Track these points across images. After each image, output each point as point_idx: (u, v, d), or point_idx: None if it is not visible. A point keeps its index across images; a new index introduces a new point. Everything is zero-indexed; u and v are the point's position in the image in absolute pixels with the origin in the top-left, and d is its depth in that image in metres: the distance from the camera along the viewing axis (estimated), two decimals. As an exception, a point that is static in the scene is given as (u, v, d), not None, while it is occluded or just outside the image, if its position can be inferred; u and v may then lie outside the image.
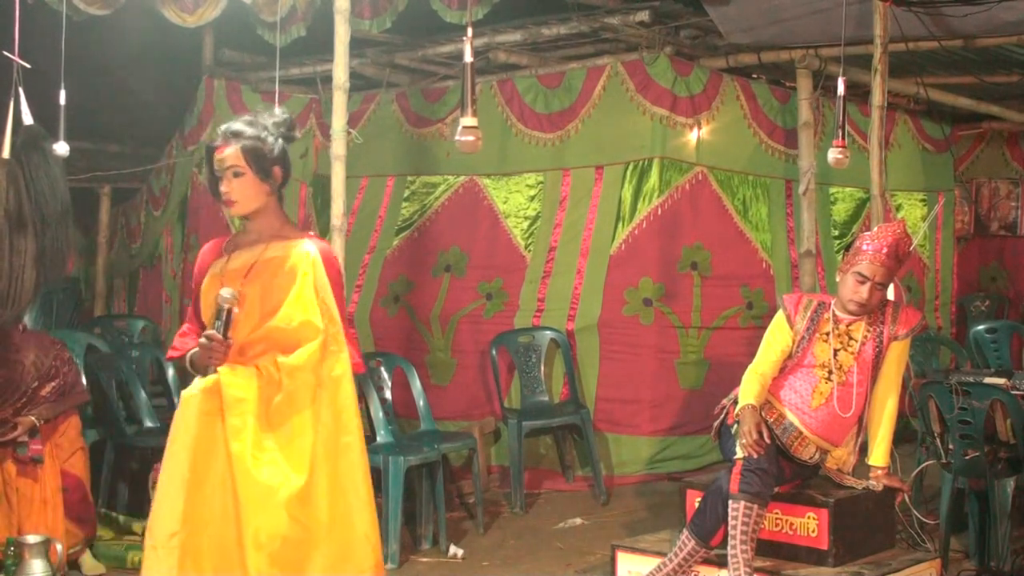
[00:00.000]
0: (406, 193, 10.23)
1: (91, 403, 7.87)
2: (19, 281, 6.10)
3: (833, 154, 7.06)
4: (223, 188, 4.44)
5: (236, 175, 4.44)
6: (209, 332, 4.32)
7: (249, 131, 4.46)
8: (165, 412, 8.42)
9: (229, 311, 4.34)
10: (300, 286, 4.38)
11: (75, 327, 11.34)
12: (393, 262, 10.07)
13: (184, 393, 4.40)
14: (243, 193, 4.44)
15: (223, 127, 4.51)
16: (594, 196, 9.28)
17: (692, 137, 9.27)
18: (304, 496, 4.26)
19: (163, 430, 7.86)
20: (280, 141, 4.51)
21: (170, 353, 4.60)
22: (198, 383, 4.37)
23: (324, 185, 8.65)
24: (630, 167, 9.18)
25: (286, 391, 4.32)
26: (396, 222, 10.20)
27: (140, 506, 7.52)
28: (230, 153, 4.44)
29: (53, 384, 6.93)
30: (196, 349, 4.40)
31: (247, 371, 4.33)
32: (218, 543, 4.24)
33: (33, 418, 6.73)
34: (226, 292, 4.34)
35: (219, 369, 4.34)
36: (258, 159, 4.44)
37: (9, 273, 6.06)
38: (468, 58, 5.10)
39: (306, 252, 4.42)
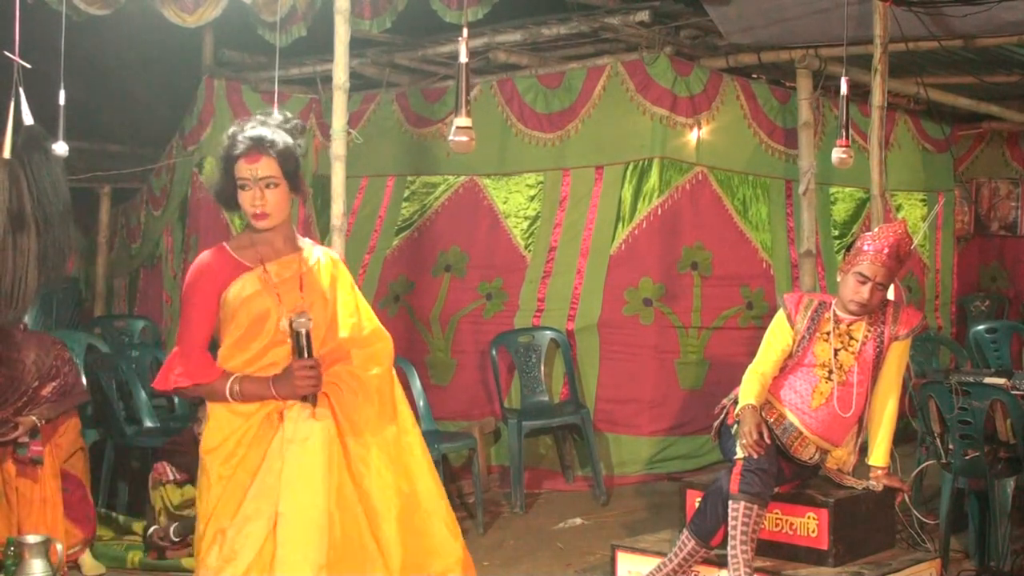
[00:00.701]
0: (406, 193, 10.23)
1: (91, 403, 7.88)
2: (22, 281, 6.10)
3: (837, 154, 7.06)
4: (255, 201, 4.15)
5: (270, 186, 4.17)
6: (308, 360, 4.12)
7: (280, 140, 4.22)
8: (165, 412, 8.43)
9: (308, 333, 4.16)
10: (355, 293, 4.37)
11: (75, 327, 11.35)
12: (393, 262, 10.08)
13: (315, 423, 4.17)
14: (277, 206, 4.20)
15: (247, 134, 4.20)
16: (594, 196, 9.28)
17: (692, 137, 9.27)
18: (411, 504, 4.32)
19: (163, 430, 7.93)
20: (300, 148, 4.34)
21: (180, 381, 4.19)
22: (306, 415, 4.16)
23: (324, 185, 8.63)
24: (630, 167, 9.18)
25: (379, 403, 4.28)
26: (396, 222, 10.20)
27: (140, 506, 7.53)
28: (264, 164, 4.16)
29: (54, 384, 6.93)
30: (263, 378, 4.14)
31: (350, 389, 4.24)
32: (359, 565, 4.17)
33: (34, 418, 6.74)
34: (300, 316, 4.15)
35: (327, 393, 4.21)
36: (292, 170, 4.24)
37: (13, 273, 6.07)
38: (463, 58, 5.10)
39: (333, 257, 4.41)
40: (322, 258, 4.34)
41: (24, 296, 6.13)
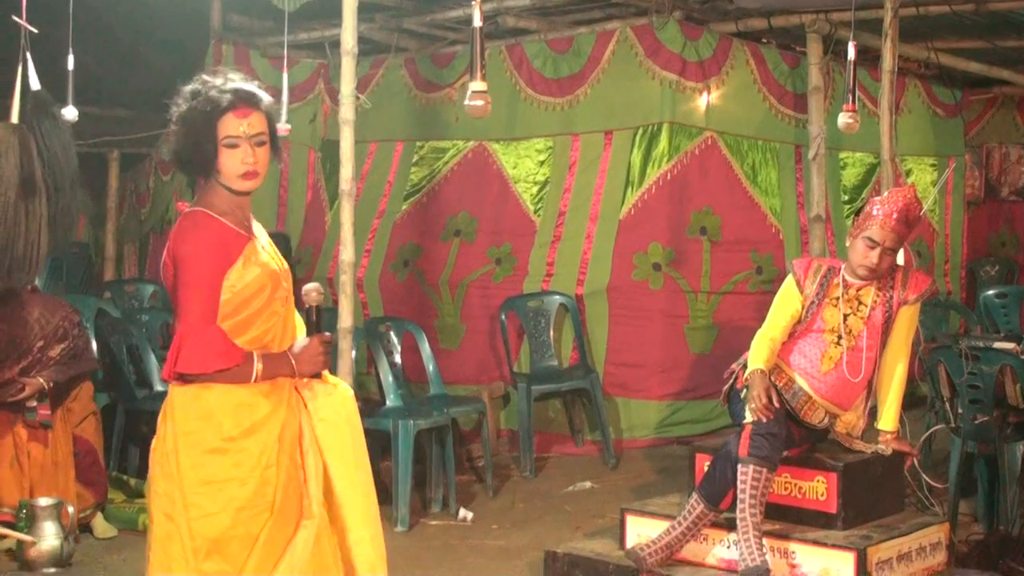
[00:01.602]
0: (415, 158, 10.22)
1: (102, 367, 7.90)
2: (35, 246, 6.12)
3: (844, 118, 7.04)
4: (247, 158, 3.81)
5: (260, 144, 3.85)
6: (327, 336, 3.94)
7: (264, 95, 3.91)
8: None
9: (320, 307, 4.00)
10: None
11: (86, 292, 11.38)
12: (402, 227, 10.07)
13: (338, 394, 4.04)
14: (266, 166, 3.88)
15: (232, 87, 3.85)
16: (603, 161, 9.27)
17: (701, 102, 9.25)
18: None
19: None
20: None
21: (219, 362, 3.76)
22: (331, 388, 4.03)
23: (333, 150, 8.63)
24: (639, 132, 9.16)
25: None
26: (405, 187, 10.19)
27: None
28: (255, 119, 3.84)
29: (62, 346, 6.93)
30: (285, 353, 3.91)
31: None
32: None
33: (41, 380, 6.75)
34: (311, 289, 3.97)
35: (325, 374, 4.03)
36: (274, 130, 3.93)
37: (25, 237, 6.09)
38: (477, 22, 5.08)
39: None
40: (257, 225, 4.05)
41: (36, 260, 6.15)
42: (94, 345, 7.71)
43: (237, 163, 3.82)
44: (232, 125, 3.81)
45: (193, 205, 3.88)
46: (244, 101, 3.84)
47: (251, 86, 3.92)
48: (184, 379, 3.78)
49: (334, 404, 4.01)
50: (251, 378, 3.80)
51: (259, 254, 3.87)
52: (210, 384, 3.78)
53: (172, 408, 3.83)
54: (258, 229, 3.98)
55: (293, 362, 3.90)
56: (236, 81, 3.91)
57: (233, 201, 3.88)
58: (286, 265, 4.03)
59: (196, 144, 3.81)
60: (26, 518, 6.39)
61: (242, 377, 3.79)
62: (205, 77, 3.91)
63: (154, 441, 3.90)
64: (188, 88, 3.89)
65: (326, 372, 4.05)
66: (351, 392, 4.12)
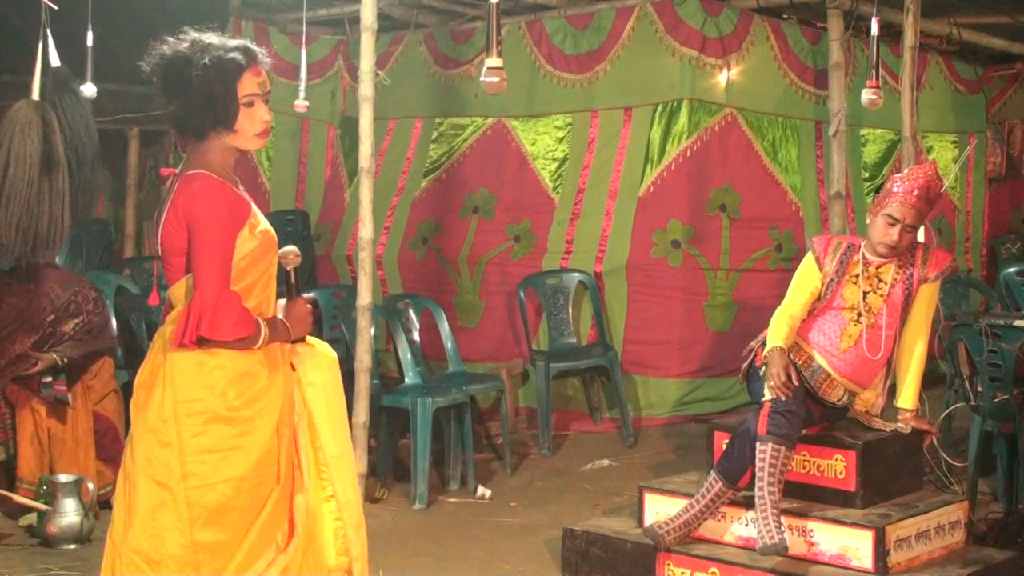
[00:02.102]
0: (434, 135, 10.20)
1: (121, 344, 7.92)
2: (59, 222, 6.15)
3: (867, 95, 7.01)
4: (264, 116, 3.81)
5: (267, 102, 3.85)
6: (309, 297, 3.98)
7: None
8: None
9: (296, 269, 4.00)
10: None
11: (105, 269, 11.40)
12: (421, 204, 10.07)
13: (321, 355, 4.04)
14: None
15: (239, 44, 3.82)
16: (623, 138, 9.25)
17: (722, 78, 9.21)
18: None
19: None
20: None
21: (243, 329, 3.73)
22: (314, 351, 4.02)
23: (352, 127, 8.62)
24: (659, 108, 9.13)
25: None
26: (424, 164, 10.18)
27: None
28: (265, 77, 3.84)
29: (76, 321, 6.93)
30: (279, 318, 3.90)
31: None
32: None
33: (55, 355, 6.77)
34: (288, 252, 3.96)
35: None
36: None
37: (49, 214, 6.11)
38: (494, -1, 5.06)
39: None
40: None
41: (60, 236, 6.18)
42: (114, 322, 7.72)
43: (256, 122, 3.81)
44: (251, 83, 3.80)
45: (191, 168, 3.81)
46: (255, 59, 3.82)
47: (252, 43, 3.89)
48: (199, 344, 3.71)
49: (320, 367, 4.00)
50: (258, 344, 3.78)
51: (260, 221, 3.86)
52: (216, 351, 3.75)
53: (171, 374, 3.77)
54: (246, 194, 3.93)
55: (289, 326, 3.90)
56: (248, 42, 3.88)
57: (227, 164, 3.85)
58: (273, 232, 3.97)
59: (222, 104, 3.76)
60: (46, 494, 6.42)
61: (253, 344, 3.78)
62: (197, 36, 3.83)
63: (137, 406, 3.85)
64: (183, 46, 3.81)
65: (312, 339, 4.06)
66: (334, 354, 4.10)
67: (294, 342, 3.96)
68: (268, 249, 3.86)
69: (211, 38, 3.82)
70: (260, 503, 3.80)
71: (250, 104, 3.79)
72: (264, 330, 3.79)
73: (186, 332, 3.69)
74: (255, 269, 3.82)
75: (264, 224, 3.86)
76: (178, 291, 3.82)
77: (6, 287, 6.77)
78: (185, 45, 3.80)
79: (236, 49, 3.79)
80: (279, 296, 3.99)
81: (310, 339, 4.05)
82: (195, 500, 3.72)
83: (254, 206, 3.88)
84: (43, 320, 6.85)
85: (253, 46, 3.86)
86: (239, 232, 3.75)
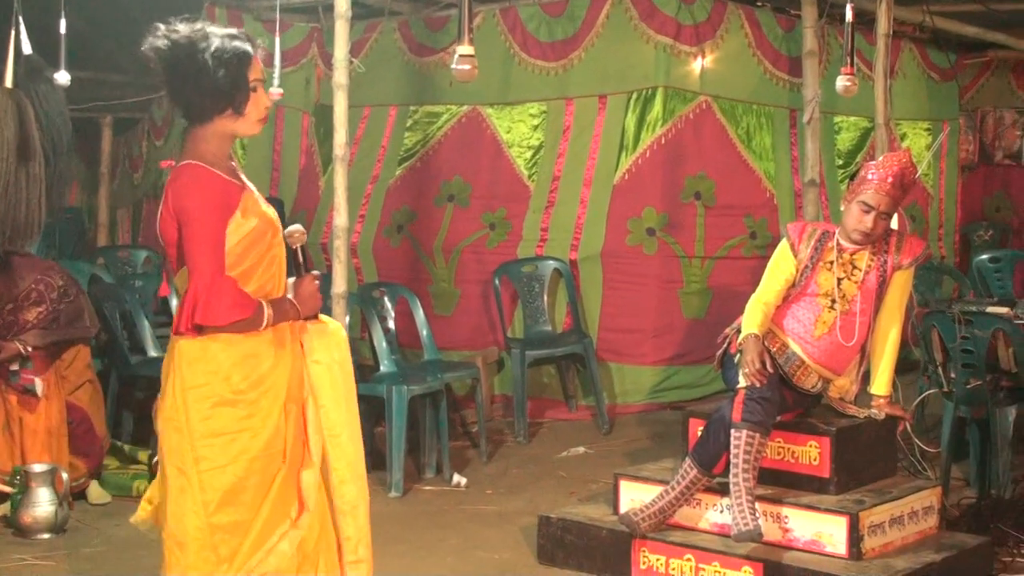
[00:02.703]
0: (408, 123, 10.18)
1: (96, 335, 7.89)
2: (37, 211, 6.14)
3: (842, 82, 7.02)
4: (265, 101, 3.93)
5: (266, 88, 3.98)
6: (316, 274, 4.04)
7: None
8: (168, 342, 8.44)
9: (303, 247, 4.09)
10: None
11: (78, 258, 11.37)
12: (396, 192, 10.05)
13: (331, 333, 4.12)
14: None
15: (243, 34, 3.92)
16: (597, 125, 9.25)
17: (696, 66, 9.22)
18: None
19: (167, 360, 7.93)
20: None
21: (238, 313, 3.80)
22: (324, 328, 4.10)
23: (326, 115, 8.61)
24: (633, 96, 9.14)
25: None
26: (399, 152, 10.16)
27: (145, 436, 7.56)
28: (262, 65, 3.94)
29: (39, 310, 6.86)
30: (287, 298, 3.98)
31: None
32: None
33: (18, 344, 6.72)
34: (293, 231, 4.04)
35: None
36: None
37: (27, 203, 6.10)
38: (466, -13, 5.06)
39: None
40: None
41: (37, 225, 6.19)
42: (90, 311, 7.69)
43: (260, 107, 3.91)
44: (257, 69, 3.91)
45: (184, 159, 3.87)
46: (256, 46, 3.92)
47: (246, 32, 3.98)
48: (198, 331, 3.82)
49: (328, 345, 4.08)
50: (262, 326, 3.86)
51: (256, 203, 3.92)
52: (217, 336, 3.83)
53: (179, 362, 3.88)
54: (245, 178, 4.01)
55: (297, 305, 3.99)
56: (242, 31, 3.97)
57: (222, 151, 3.92)
58: (275, 212, 4.05)
59: (235, 89, 3.85)
60: (20, 484, 6.40)
61: (254, 325, 3.86)
62: (195, 24, 3.89)
63: (161, 397, 3.95)
64: (187, 33, 3.84)
65: (324, 317, 4.15)
66: (343, 332, 4.21)
67: (306, 319, 4.04)
68: (265, 231, 3.91)
69: (211, 26, 3.89)
70: (270, 481, 3.89)
71: (255, 90, 3.89)
72: (267, 311, 3.86)
73: (183, 319, 3.81)
74: (253, 252, 3.88)
75: (262, 206, 3.94)
76: (180, 279, 3.90)
77: None
78: (186, 32, 3.84)
79: (240, 37, 3.88)
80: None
81: (322, 316, 4.13)
82: (208, 483, 3.82)
83: (251, 190, 3.94)
84: (2, 309, 6.79)
85: (251, 35, 3.96)
86: (229, 218, 3.82)
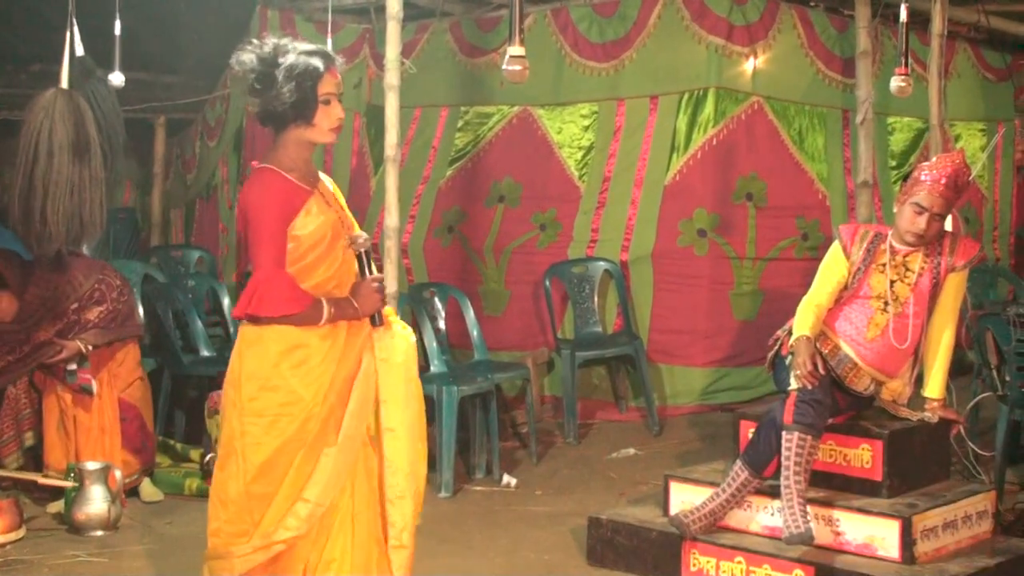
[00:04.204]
0: (459, 123, 10.20)
1: (148, 332, 7.94)
2: (99, 210, 6.24)
3: (896, 82, 6.98)
4: (338, 113, 4.23)
5: (341, 100, 4.27)
6: (379, 276, 4.34)
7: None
8: (220, 341, 8.51)
9: (368, 252, 4.35)
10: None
11: (132, 257, 11.46)
12: (447, 192, 10.07)
13: (399, 337, 4.40)
14: None
15: (317, 49, 4.23)
16: (648, 126, 9.23)
17: (748, 66, 9.18)
18: None
19: (218, 359, 8.01)
20: None
21: (290, 307, 4.11)
22: (398, 333, 4.40)
23: (377, 115, 8.64)
24: (685, 97, 9.11)
25: None
26: (449, 152, 10.18)
27: (197, 435, 7.62)
28: (340, 79, 4.26)
29: (100, 310, 6.93)
30: (347, 297, 4.25)
31: None
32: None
33: (79, 343, 6.78)
34: (357, 236, 4.32)
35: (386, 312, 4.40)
36: None
37: (90, 202, 6.17)
38: (517, -13, 5.07)
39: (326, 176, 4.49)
40: (324, 176, 4.45)
41: (100, 224, 6.30)
42: (140, 310, 7.75)
43: (332, 118, 4.22)
44: (329, 84, 4.20)
45: (263, 162, 4.25)
46: (333, 63, 4.22)
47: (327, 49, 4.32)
48: (254, 320, 4.16)
49: (393, 346, 4.37)
50: (320, 321, 4.17)
51: (321, 206, 4.24)
52: (272, 326, 4.15)
53: (240, 345, 4.25)
54: (326, 182, 4.39)
55: (356, 303, 4.24)
56: (314, 43, 4.31)
57: (300, 157, 4.26)
58: (350, 216, 4.39)
59: (304, 101, 4.16)
60: (74, 481, 6.46)
61: (311, 320, 4.16)
62: (278, 41, 4.21)
63: (227, 373, 4.30)
64: (269, 49, 4.17)
65: (393, 317, 4.45)
66: (412, 337, 4.47)
67: (372, 320, 4.31)
68: (327, 231, 4.22)
69: (295, 43, 4.23)
70: (292, 460, 4.20)
71: (327, 102, 4.19)
72: (327, 308, 4.16)
73: (238, 307, 4.18)
74: (317, 248, 4.19)
75: (327, 208, 4.25)
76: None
77: (30, 276, 6.79)
78: (270, 47, 4.19)
79: (319, 53, 4.20)
80: None
81: (393, 320, 4.43)
82: (248, 456, 4.18)
83: (321, 194, 4.28)
84: (67, 308, 6.86)
85: (330, 51, 4.28)
86: (293, 218, 4.16)
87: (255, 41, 4.22)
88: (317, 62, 4.16)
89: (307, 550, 4.24)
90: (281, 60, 4.14)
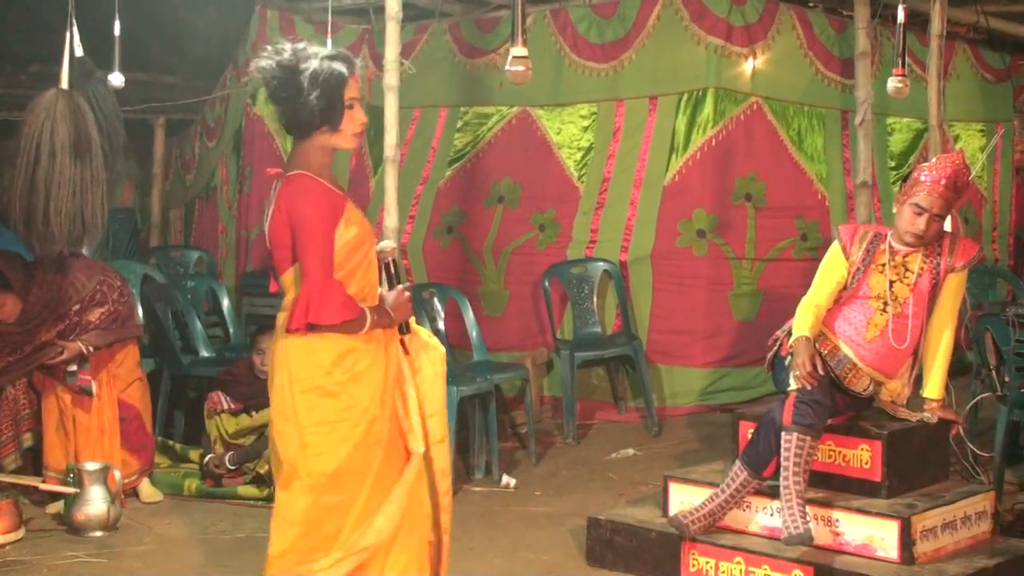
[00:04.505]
0: (459, 124, 10.20)
1: (147, 333, 7.94)
2: (100, 210, 6.24)
3: (893, 83, 6.99)
4: (361, 117, 4.25)
5: (363, 105, 4.30)
6: (408, 285, 4.41)
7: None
8: (219, 343, 8.52)
9: (395, 261, 4.42)
10: None
11: (131, 258, 11.46)
12: (446, 193, 10.07)
13: (432, 349, 4.52)
14: None
15: (341, 54, 4.23)
16: (648, 127, 9.24)
17: (747, 67, 9.19)
18: None
19: (218, 360, 8.02)
20: None
21: (345, 314, 4.14)
22: (431, 346, 4.51)
23: (377, 116, 8.61)
24: (684, 97, 9.12)
25: None
26: (449, 153, 10.18)
27: (196, 435, 7.62)
28: (362, 84, 4.30)
29: (101, 311, 6.93)
30: (383, 307, 4.32)
31: None
32: None
33: (80, 344, 6.78)
34: (385, 244, 4.42)
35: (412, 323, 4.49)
36: None
37: (92, 203, 6.18)
38: (519, -12, 5.07)
39: None
40: None
41: (101, 224, 6.30)
42: (140, 311, 7.74)
43: (356, 123, 4.24)
44: (353, 88, 4.22)
45: (292, 168, 4.22)
46: (355, 68, 4.23)
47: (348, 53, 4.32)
48: (310, 329, 4.14)
49: (431, 360, 4.49)
50: (364, 328, 4.21)
51: (357, 213, 4.30)
52: (323, 334, 4.17)
53: (288, 357, 4.22)
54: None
55: (391, 312, 4.32)
56: (334, 48, 4.36)
57: (324, 162, 4.27)
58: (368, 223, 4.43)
59: (331, 107, 4.16)
60: (73, 481, 6.46)
61: (358, 327, 4.20)
62: (295, 46, 4.18)
63: (272, 389, 4.30)
64: (290, 55, 4.13)
65: (422, 329, 4.55)
66: (443, 350, 4.57)
67: (400, 328, 4.39)
68: (364, 239, 4.28)
69: (313, 47, 4.21)
70: (368, 467, 4.24)
71: (351, 107, 4.22)
72: (370, 316, 4.22)
73: (296, 319, 4.16)
74: (354, 257, 4.23)
75: (360, 216, 4.31)
76: (287, 279, 4.26)
77: (33, 277, 6.79)
78: (290, 53, 4.16)
79: (339, 58, 4.19)
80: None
81: (423, 334, 4.53)
82: (314, 468, 4.18)
83: (349, 200, 4.29)
84: (69, 310, 6.86)
85: (350, 55, 4.27)
86: (337, 225, 4.18)
87: (270, 47, 4.19)
88: (341, 67, 4.15)
89: (383, 554, 4.28)
90: (304, 66, 4.11)
